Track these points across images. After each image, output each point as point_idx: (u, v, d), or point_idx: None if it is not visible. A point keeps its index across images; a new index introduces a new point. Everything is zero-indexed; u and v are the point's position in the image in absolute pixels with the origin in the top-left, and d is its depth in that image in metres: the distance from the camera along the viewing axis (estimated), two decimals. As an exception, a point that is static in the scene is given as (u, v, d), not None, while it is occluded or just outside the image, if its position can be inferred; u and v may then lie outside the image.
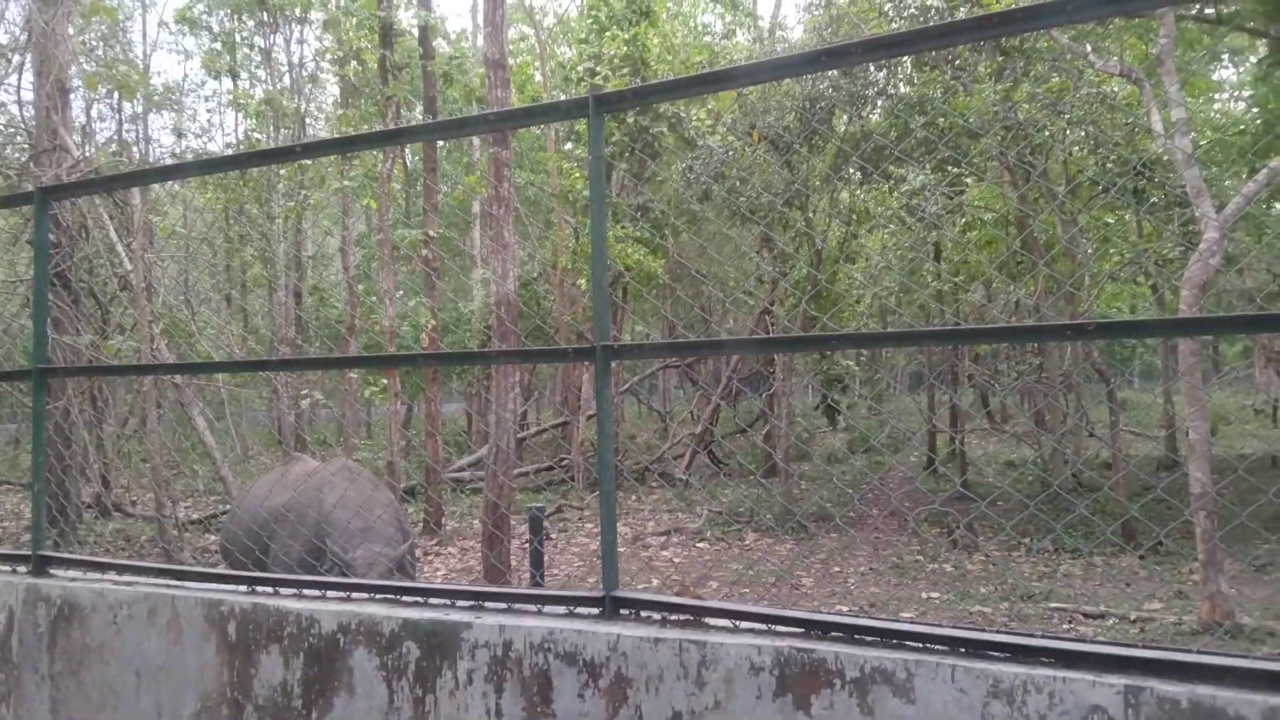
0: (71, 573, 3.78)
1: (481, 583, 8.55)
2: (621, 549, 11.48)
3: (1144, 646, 2.24)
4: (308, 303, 22.95)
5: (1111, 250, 14.58)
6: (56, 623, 3.58)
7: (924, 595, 8.77)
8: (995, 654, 2.31)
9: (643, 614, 2.80)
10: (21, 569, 3.87)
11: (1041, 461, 14.52)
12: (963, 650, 2.34)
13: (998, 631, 2.38)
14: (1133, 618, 7.64)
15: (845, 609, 8.31)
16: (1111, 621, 7.63)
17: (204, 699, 3.25)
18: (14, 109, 13.52)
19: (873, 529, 12.11)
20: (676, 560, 10.74)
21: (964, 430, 17.30)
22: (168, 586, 3.49)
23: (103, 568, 3.77)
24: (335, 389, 17.10)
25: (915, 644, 2.41)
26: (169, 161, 24.95)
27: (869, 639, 2.46)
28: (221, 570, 3.94)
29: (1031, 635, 2.33)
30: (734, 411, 20.60)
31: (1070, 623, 7.65)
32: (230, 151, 24.42)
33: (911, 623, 2.48)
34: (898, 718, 2.31)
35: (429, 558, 11.00)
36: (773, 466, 15.28)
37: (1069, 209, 12.74)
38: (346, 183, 12.58)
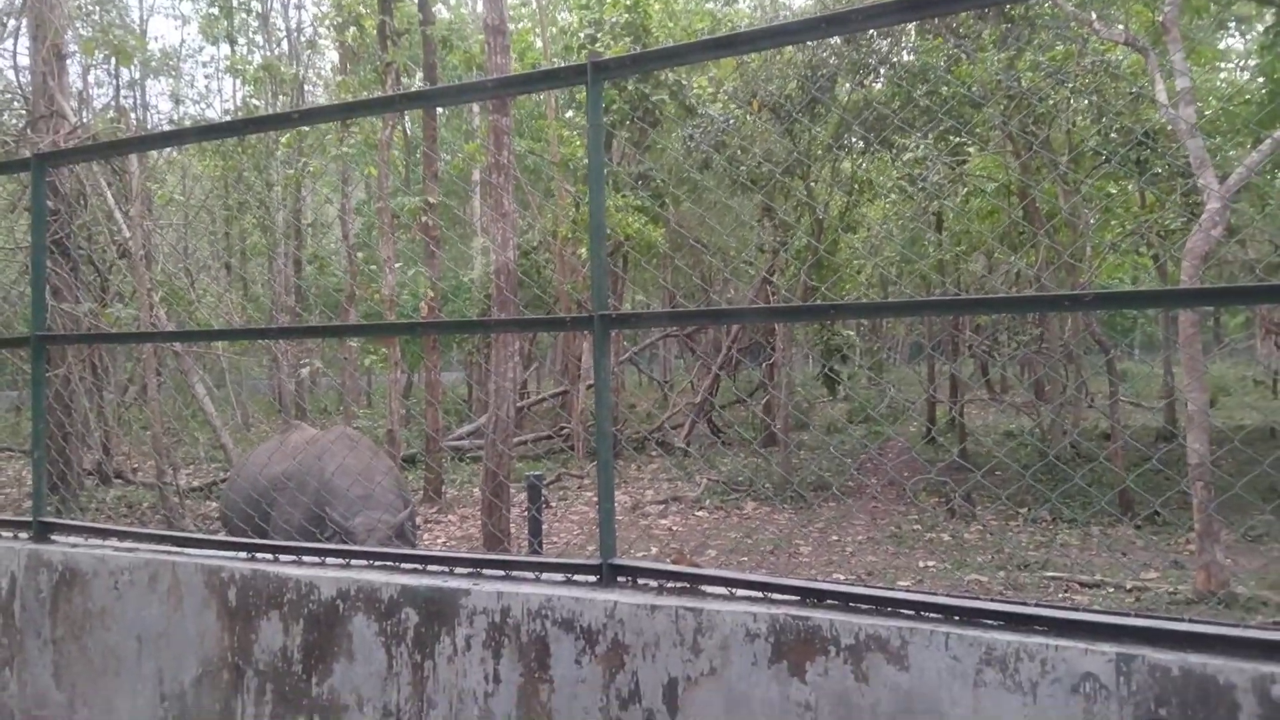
0: (73, 539, 3.80)
1: (481, 551, 8.60)
2: (620, 517, 11.58)
3: (1136, 615, 2.26)
4: (307, 271, 22.90)
5: (1114, 221, 14.53)
6: (58, 588, 3.61)
7: (921, 564, 8.83)
8: (989, 622, 2.33)
9: (639, 582, 2.82)
10: (23, 535, 3.90)
11: (1040, 432, 14.57)
12: (957, 618, 2.36)
13: (992, 600, 2.40)
14: (1128, 587, 7.69)
15: (842, 577, 8.37)
16: (1107, 590, 7.69)
17: (205, 664, 3.28)
18: (10, 75, 13.43)
19: (871, 498, 12.16)
20: (675, 528, 10.80)
21: (963, 400, 17.33)
22: (168, 553, 3.52)
23: (103, 534, 3.79)
24: (335, 357, 17.10)
25: (910, 612, 2.43)
26: (166, 128, 24.80)
27: (864, 607, 2.48)
28: (221, 537, 3.96)
29: (1025, 604, 2.35)
30: (733, 381, 20.61)
31: (1066, 591, 7.71)
32: (228, 118, 24.26)
33: (906, 591, 2.49)
34: (892, 685, 2.33)
35: (429, 525, 11.06)
36: (772, 436, 15.33)
37: (1072, 179, 12.68)
38: (346, 149, 12.51)
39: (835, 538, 10.15)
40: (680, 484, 13.46)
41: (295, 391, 20.64)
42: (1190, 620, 2.17)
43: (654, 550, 9.52)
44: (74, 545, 3.71)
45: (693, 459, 15.36)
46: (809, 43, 12.25)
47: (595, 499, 12.73)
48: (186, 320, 12.49)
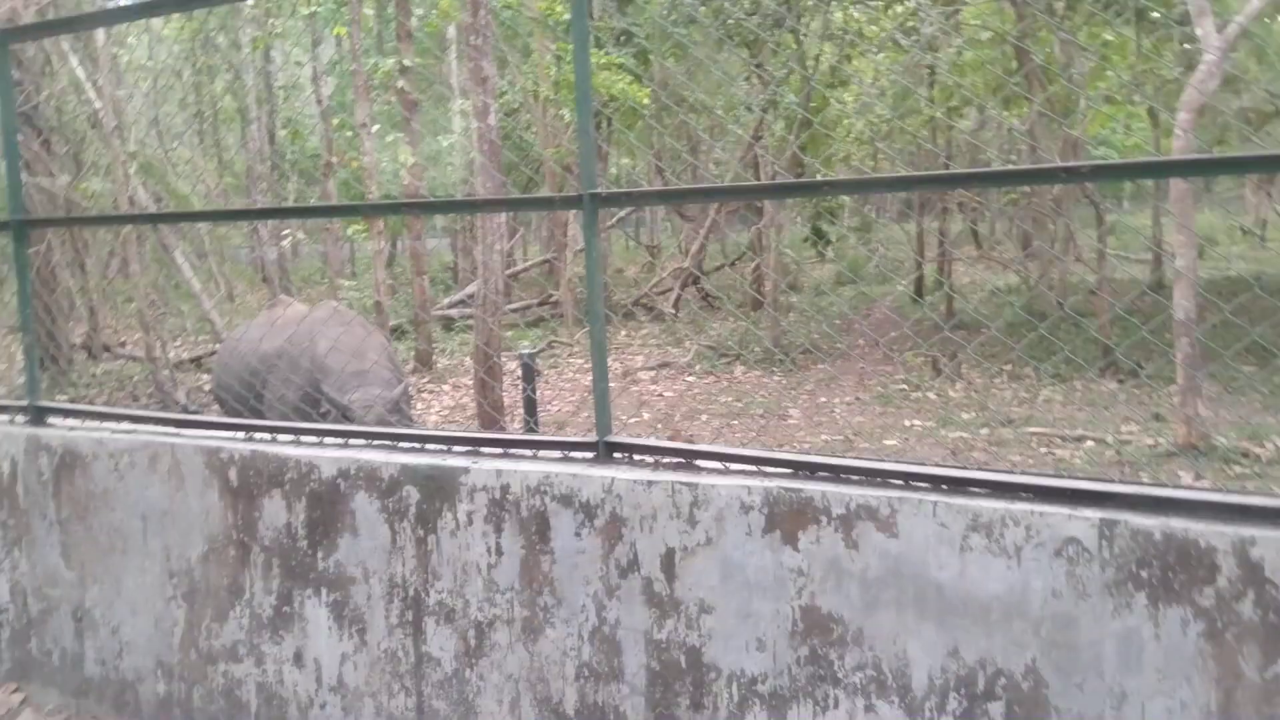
0: (70, 422, 3.83)
1: (476, 426, 8.71)
2: (612, 384, 11.65)
3: (1120, 482, 2.31)
4: (281, 137, 22.30)
5: (1108, 70, 14.19)
6: (59, 471, 3.66)
7: (907, 423, 9.01)
8: (975, 490, 2.39)
9: (635, 458, 2.87)
10: (20, 419, 3.92)
11: (1027, 288, 14.63)
12: (944, 487, 2.42)
13: (978, 469, 2.45)
14: (1110, 440, 7.88)
15: (829, 438, 8.54)
16: (1089, 444, 7.88)
17: (210, 541, 3.36)
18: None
19: (858, 360, 12.30)
20: (666, 394, 10.94)
21: (949, 258, 17.31)
22: (166, 435, 3.55)
23: (100, 416, 3.82)
24: (316, 226, 16.86)
25: (899, 482, 2.49)
26: (126, -12, 23.67)
27: (854, 478, 2.54)
28: (218, 419, 3.99)
29: (1011, 472, 2.41)
30: (722, 245, 20.50)
31: (1048, 447, 7.90)
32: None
33: (895, 462, 2.55)
34: (881, 551, 2.41)
35: (421, 395, 11.17)
36: (760, 299, 15.35)
37: (1067, 26, 12.32)
38: (315, 7, 11.99)
39: (824, 399, 10.31)
40: (670, 350, 13.56)
41: (277, 261, 20.45)
42: (1172, 486, 2.23)
43: (646, 416, 9.67)
44: (71, 429, 3.74)
45: (682, 324, 15.42)
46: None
47: (586, 366, 12.84)
48: (162, 192, 12.25)
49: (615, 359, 12.96)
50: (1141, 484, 2.29)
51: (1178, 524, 2.12)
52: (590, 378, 10.82)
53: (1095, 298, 11.64)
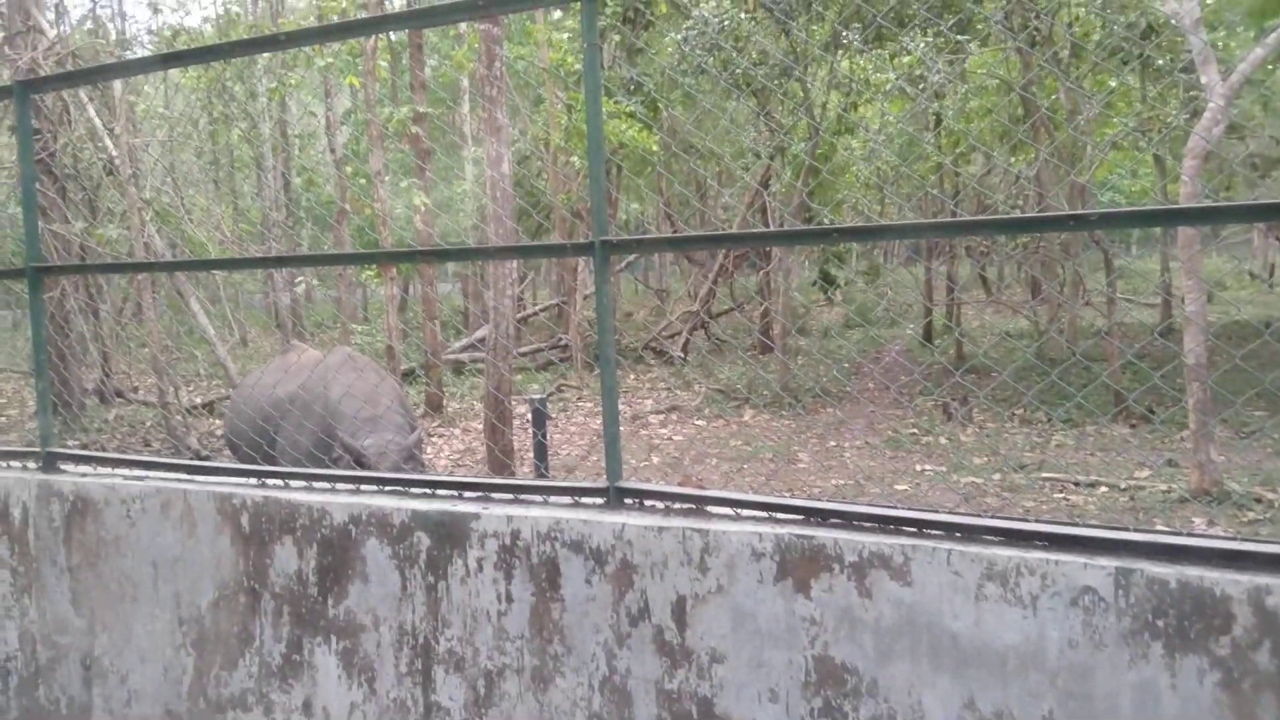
0: (82, 468, 3.84)
1: (486, 469, 8.70)
2: (622, 427, 11.66)
3: (1135, 530, 2.30)
4: (296, 184, 22.57)
5: (1114, 116, 14.29)
6: (71, 517, 3.66)
7: (918, 468, 8.96)
8: (990, 538, 2.38)
9: (646, 503, 2.86)
10: (32, 465, 3.94)
11: (1037, 332, 14.62)
12: (958, 535, 2.41)
13: (993, 516, 2.44)
14: (1123, 486, 7.82)
15: (840, 483, 8.50)
16: (1103, 490, 7.82)
17: (221, 588, 3.35)
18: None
19: (868, 404, 12.27)
20: (676, 438, 10.91)
21: (958, 302, 17.33)
22: (178, 480, 3.56)
23: (113, 463, 3.83)
24: (329, 272, 16.99)
25: (912, 529, 2.48)
26: (146, 38, 24.16)
27: (866, 525, 2.53)
28: (230, 465, 4.01)
29: (1025, 520, 2.39)
30: (730, 288, 20.57)
31: (1062, 492, 7.84)
32: (208, 26, 23.60)
33: (908, 509, 2.54)
34: (895, 599, 2.39)
35: (432, 439, 11.17)
36: (768, 343, 15.36)
37: (1073, 74, 12.44)
38: (329, 59, 12.20)
39: (834, 443, 10.27)
40: (679, 393, 13.55)
41: (290, 306, 20.60)
42: (1188, 534, 2.22)
43: (656, 460, 9.64)
44: (83, 475, 3.75)
45: (691, 367, 15.42)
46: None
47: (596, 409, 12.84)
48: (177, 239, 12.38)
49: (624, 403, 12.97)
50: (1157, 532, 2.27)
51: (1193, 572, 2.10)
52: (599, 421, 10.81)
53: (1106, 342, 11.62)
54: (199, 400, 13.37)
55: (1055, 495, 7.74)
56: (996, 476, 8.37)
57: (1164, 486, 7.66)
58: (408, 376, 14.55)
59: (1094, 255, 16.12)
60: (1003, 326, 17.97)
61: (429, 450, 10.50)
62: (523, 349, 17.20)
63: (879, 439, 10.26)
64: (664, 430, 11.33)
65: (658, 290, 24.84)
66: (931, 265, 18.75)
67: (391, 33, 19.05)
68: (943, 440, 10.04)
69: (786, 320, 14.32)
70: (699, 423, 11.76)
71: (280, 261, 4.39)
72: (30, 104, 3.67)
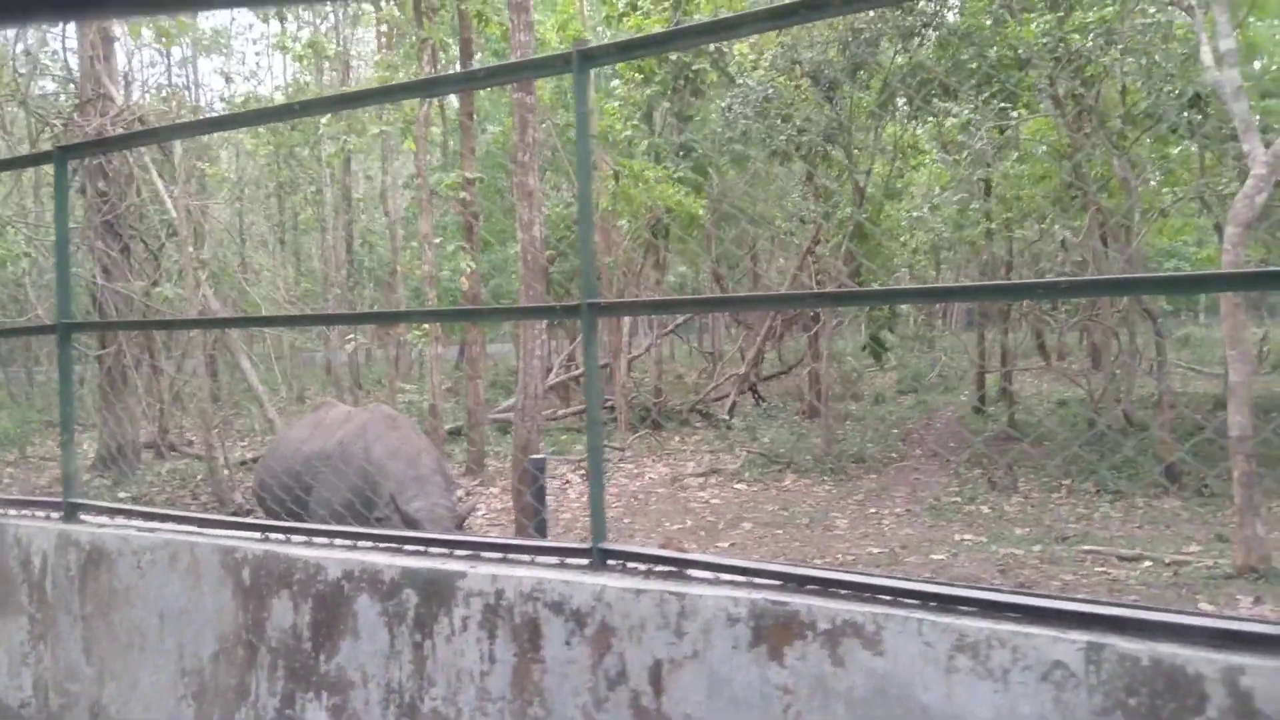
0: (100, 519, 3.95)
1: (513, 530, 8.72)
2: (659, 489, 11.64)
3: (1108, 604, 2.24)
4: (356, 247, 23.25)
5: (1171, 184, 14.09)
6: (86, 567, 3.76)
7: (957, 537, 8.76)
8: (963, 608, 2.33)
9: (629, 565, 2.86)
10: (54, 515, 4.06)
11: (1090, 400, 14.27)
12: (931, 604, 2.36)
13: (965, 586, 2.39)
14: (1167, 561, 7.55)
15: (876, 550, 8.34)
16: (1146, 564, 7.55)
17: (221, 641, 3.40)
18: (60, 58, 13.74)
19: (912, 470, 12.07)
20: (713, 501, 10.83)
21: (1012, 369, 17.02)
22: (187, 533, 3.64)
23: (128, 514, 3.94)
24: (382, 332, 17.36)
25: (886, 598, 2.44)
26: (218, 105, 25.25)
27: (842, 592, 2.49)
28: (235, 518, 4.09)
29: (998, 590, 2.34)
30: (779, 351, 20.52)
31: (1103, 566, 7.59)
32: (278, 95, 24.57)
33: (883, 576, 2.50)
34: (867, 670, 2.35)
35: (470, 498, 11.24)
36: (816, 407, 15.25)
37: (1122, 143, 12.33)
38: (385, 128, 12.63)
39: (873, 510, 10.10)
40: (721, 456, 13.47)
41: (347, 365, 21.03)
42: (1162, 610, 2.15)
43: (688, 523, 9.57)
44: (101, 525, 3.86)
45: (735, 431, 15.34)
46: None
47: (637, 471, 12.83)
48: (237, 298, 12.78)
49: (666, 464, 12.92)
50: (1128, 605, 2.21)
51: (1165, 649, 2.04)
52: (638, 483, 10.75)
53: (1159, 411, 11.32)
54: (249, 455, 13.65)
55: (1096, 569, 7.49)
56: (1037, 548, 8.13)
57: (1209, 562, 7.37)
58: (453, 435, 14.70)
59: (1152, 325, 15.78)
60: (1057, 396, 17.59)
61: (467, 509, 10.56)
62: (567, 410, 17.31)
63: (920, 506, 10.06)
64: (702, 494, 11.26)
65: (708, 353, 24.84)
66: (985, 331, 18.50)
67: (442, 103, 19.65)
68: (985, 509, 9.81)
69: (829, 384, 14.21)
70: (739, 486, 11.67)
71: (314, 320, 4.51)
72: (67, 169, 3.87)
